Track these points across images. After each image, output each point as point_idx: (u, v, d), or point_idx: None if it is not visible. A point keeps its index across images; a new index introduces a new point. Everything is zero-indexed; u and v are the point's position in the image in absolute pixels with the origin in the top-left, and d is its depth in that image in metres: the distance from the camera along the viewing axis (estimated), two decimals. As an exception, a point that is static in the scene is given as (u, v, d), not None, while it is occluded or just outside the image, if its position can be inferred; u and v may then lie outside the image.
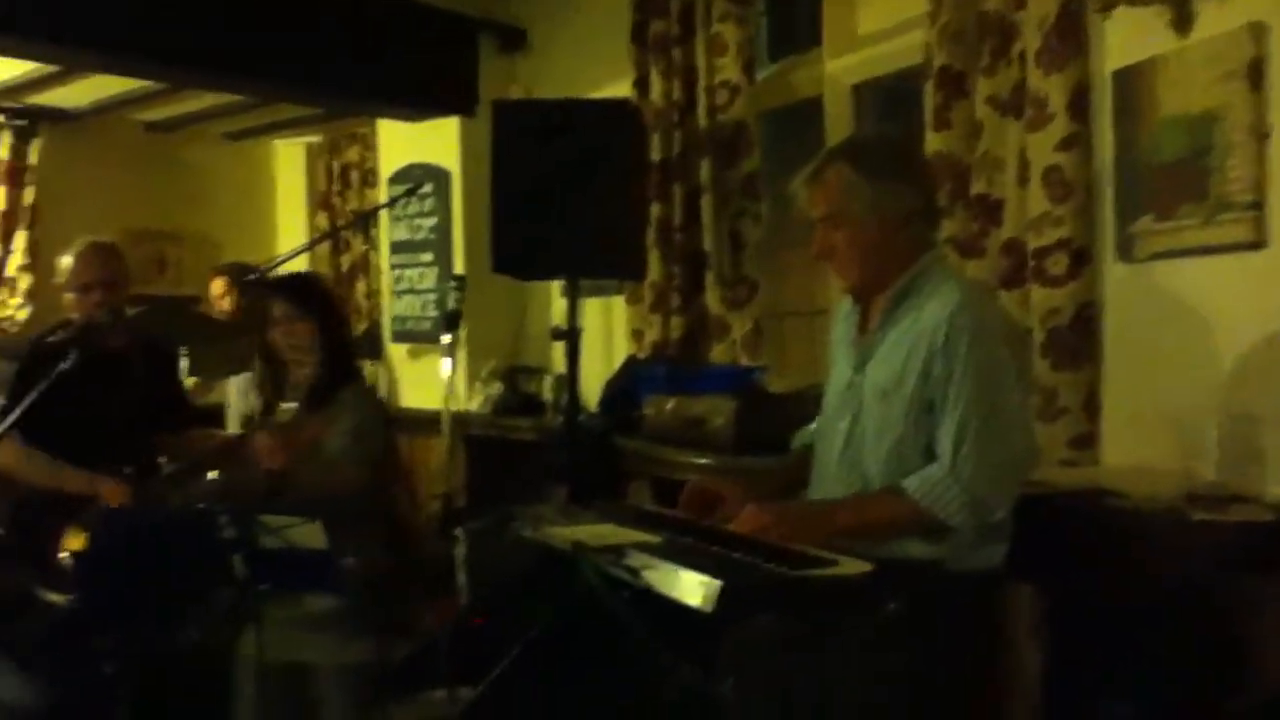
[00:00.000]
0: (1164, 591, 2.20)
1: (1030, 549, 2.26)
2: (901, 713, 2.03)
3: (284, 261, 4.52)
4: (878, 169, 2.12)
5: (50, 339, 3.17)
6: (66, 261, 3.24)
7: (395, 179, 5.35)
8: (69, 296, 3.21)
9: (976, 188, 2.99)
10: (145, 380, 3.19)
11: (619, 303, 4.49)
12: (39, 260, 5.71)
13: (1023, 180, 2.86)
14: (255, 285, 3.01)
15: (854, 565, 1.83)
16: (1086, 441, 2.79)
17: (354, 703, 2.68)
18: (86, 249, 3.25)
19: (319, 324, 2.88)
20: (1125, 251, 2.72)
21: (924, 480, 1.99)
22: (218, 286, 4.47)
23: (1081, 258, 2.77)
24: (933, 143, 3.10)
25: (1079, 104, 2.75)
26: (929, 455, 2.04)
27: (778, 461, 2.50)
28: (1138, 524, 2.27)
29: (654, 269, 4.13)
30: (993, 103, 2.95)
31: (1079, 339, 2.77)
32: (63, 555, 2.99)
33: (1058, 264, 2.77)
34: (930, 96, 3.11)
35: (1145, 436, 2.70)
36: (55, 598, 3.10)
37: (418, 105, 4.97)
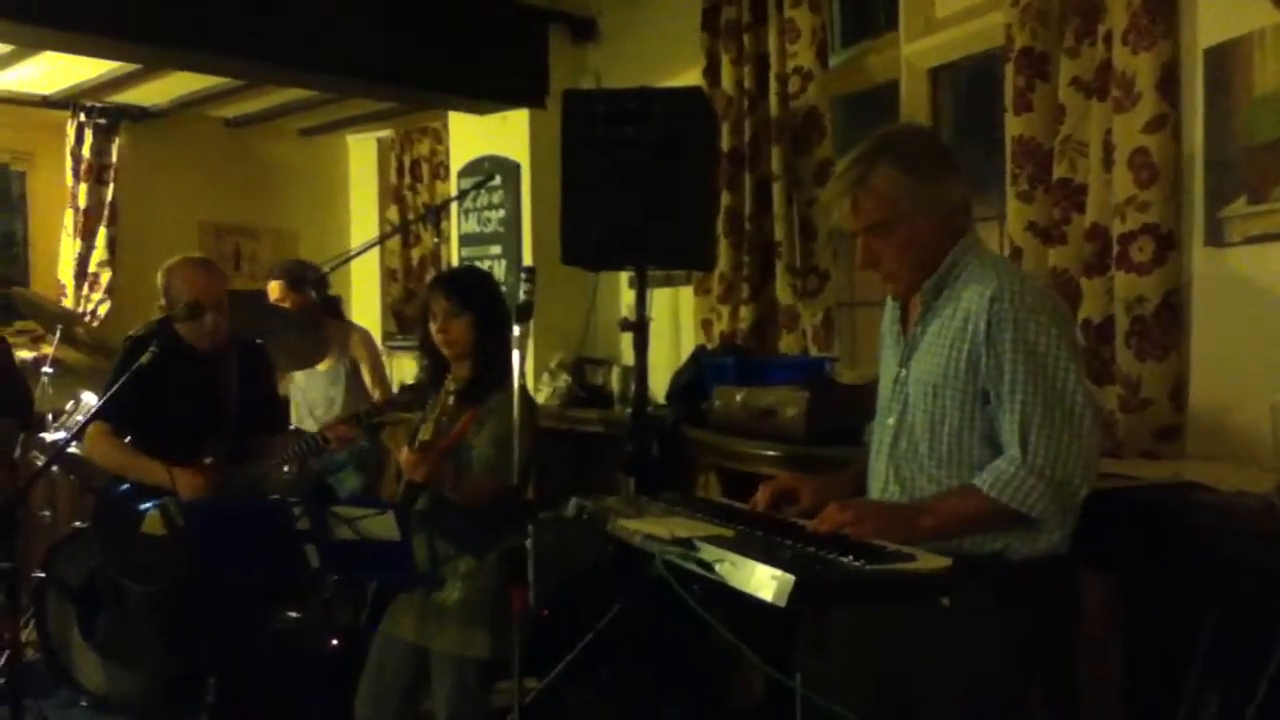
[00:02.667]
0: (1254, 585, 2.11)
1: (1115, 542, 2.20)
2: (971, 706, 1.98)
3: (350, 259, 4.58)
4: (924, 166, 2.03)
5: (132, 333, 3.23)
6: (166, 278, 3.21)
7: (465, 172, 5.38)
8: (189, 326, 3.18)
9: (1059, 172, 2.91)
10: (240, 379, 3.22)
11: (687, 293, 4.46)
12: (119, 256, 5.86)
13: (1107, 164, 2.77)
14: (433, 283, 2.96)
15: (932, 561, 1.79)
16: (1172, 434, 2.70)
17: (461, 693, 2.70)
18: (187, 269, 3.22)
19: (477, 321, 2.80)
20: (1215, 236, 2.62)
21: (997, 476, 1.92)
22: (275, 289, 4.51)
23: (1168, 243, 2.67)
24: (1013, 126, 3.02)
25: (1168, 83, 2.65)
26: (989, 444, 1.98)
27: (853, 454, 2.44)
28: (1227, 517, 2.18)
29: (723, 259, 4.09)
30: (1077, 84, 2.86)
31: (1165, 327, 2.68)
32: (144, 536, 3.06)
33: (1143, 250, 2.68)
34: (1011, 79, 3.03)
35: (1234, 428, 2.60)
36: (139, 587, 3.17)
37: (489, 97, 5.00)
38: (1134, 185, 2.69)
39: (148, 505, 3.08)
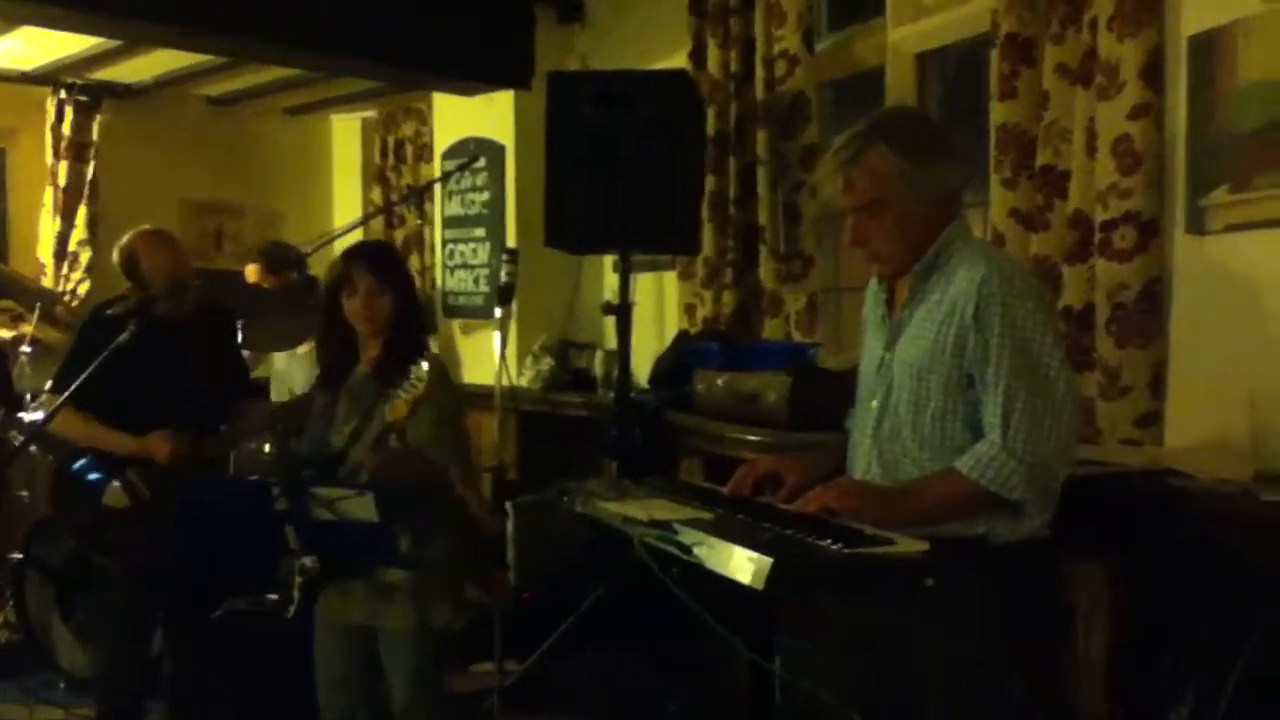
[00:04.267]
0: (1233, 573, 2.13)
1: (1094, 529, 2.21)
2: (953, 690, 1.99)
3: (332, 240, 4.55)
4: (919, 149, 2.03)
5: (110, 310, 3.19)
6: (130, 255, 3.19)
7: (449, 154, 5.36)
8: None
9: (1042, 158, 2.91)
10: (207, 348, 3.21)
11: (671, 278, 4.45)
12: (99, 235, 5.80)
13: (1090, 151, 2.77)
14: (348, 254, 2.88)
15: (911, 544, 1.79)
16: (1151, 420, 2.71)
17: (418, 669, 2.70)
18: (151, 245, 3.21)
19: (397, 300, 2.77)
20: (1196, 224, 2.63)
21: (978, 459, 1.93)
22: (253, 272, 4.48)
23: (1150, 230, 2.68)
24: (998, 113, 3.02)
25: (1152, 71, 2.65)
26: (971, 428, 1.98)
27: (834, 439, 2.45)
28: (1206, 504, 2.20)
29: (707, 243, 4.08)
30: (1061, 71, 2.86)
31: (1145, 315, 2.69)
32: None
33: (1125, 237, 2.69)
34: (996, 65, 3.02)
35: (1213, 415, 2.61)
36: (109, 565, 3.16)
37: (473, 78, 4.97)
38: (1116, 172, 2.69)
39: (96, 477, 3.06)
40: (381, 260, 2.83)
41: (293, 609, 2.65)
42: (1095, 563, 2.31)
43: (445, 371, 2.76)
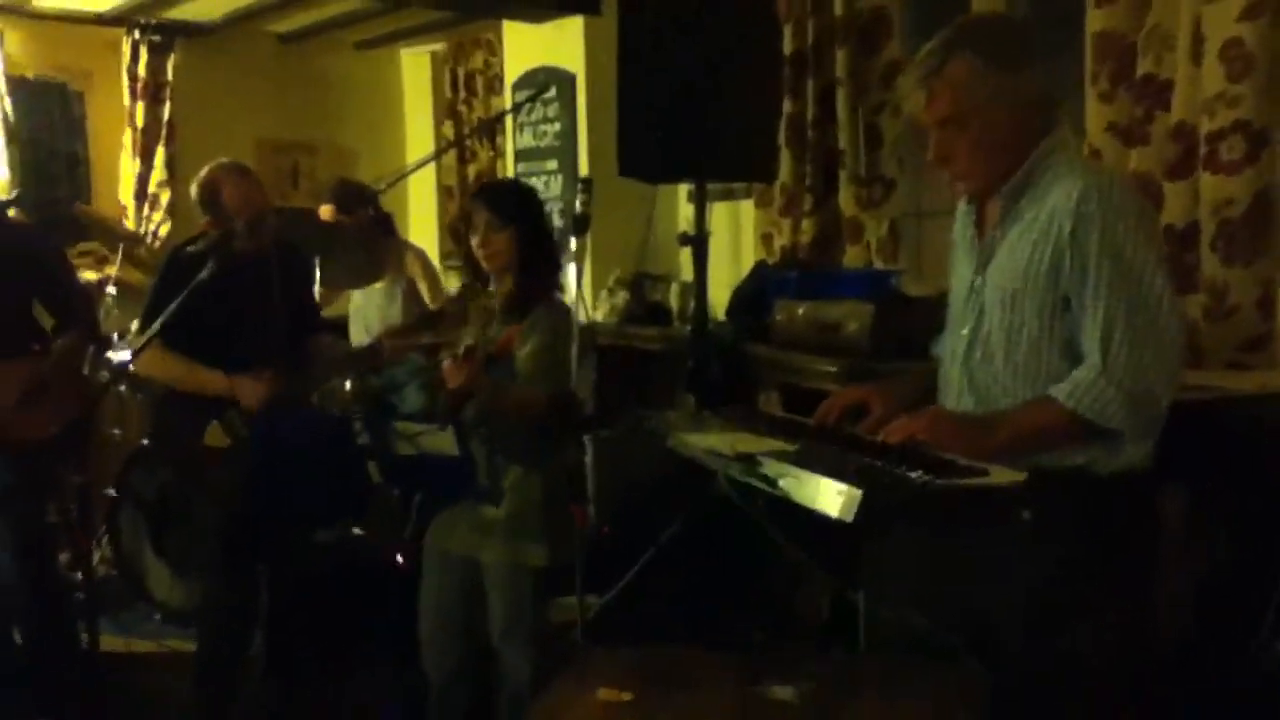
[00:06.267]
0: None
1: (1198, 457, 2.10)
2: (1047, 622, 1.92)
3: (403, 176, 4.51)
4: (1007, 55, 1.91)
5: (190, 248, 3.20)
6: (210, 188, 3.20)
7: (520, 85, 5.28)
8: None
9: (1143, 67, 2.76)
10: (282, 285, 3.21)
11: (748, 206, 4.36)
12: (178, 175, 5.87)
13: (1196, 57, 2.61)
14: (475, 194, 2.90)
15: (1005, 475, 1.71)
16: (1260, 343, 2.59)
17: (515, 602, 2.72)
18: (234, 178, 3.21)
19: (518, 236, 2.74)
20: (1314, 133, 2.47)
21: (1075, 385, 1.84)
22: (326, 213, 4.47)
23: (1260, 140, 2.53)
24: (1094, 20, 2.87)
25: (1266, -34, 2.48)
26: (1068, 354, 1.89)
27: (918, 368, 2.36)
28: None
29: (785, 170, 3.97)
30: (1164, -29, 2.70)
31: (1254, 231, 2.56)
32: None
33: (1233, 148, 2.54)
34: (1092, -31, 2.87)
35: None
36: (206, 501, 3.21)
37: (543, 4, 4.88)
38: (1225, 79, 2.54)
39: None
40: (498, 197, 2.82)
41: (410, 529, 2.66)
42: (1199, 493, 2.21)
43: (562, 314, 2.71)
